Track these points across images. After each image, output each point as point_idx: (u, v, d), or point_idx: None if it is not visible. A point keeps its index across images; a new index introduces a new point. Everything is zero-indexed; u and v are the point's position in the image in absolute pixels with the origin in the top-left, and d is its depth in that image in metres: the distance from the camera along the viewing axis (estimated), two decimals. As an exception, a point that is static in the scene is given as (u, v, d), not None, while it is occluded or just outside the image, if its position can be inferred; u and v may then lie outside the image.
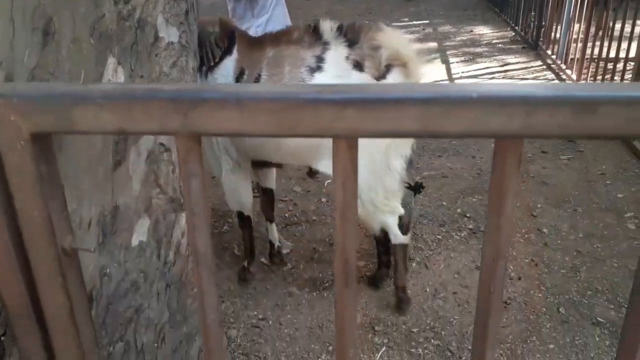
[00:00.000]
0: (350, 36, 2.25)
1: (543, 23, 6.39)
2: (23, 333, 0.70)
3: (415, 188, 2.85)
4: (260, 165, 2.66)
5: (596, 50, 4.66)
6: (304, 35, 2.28)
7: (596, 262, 2.89)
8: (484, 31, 8.19)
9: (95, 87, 0.60)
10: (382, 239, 2.71)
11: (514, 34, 7.61)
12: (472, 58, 6.60)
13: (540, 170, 3.73)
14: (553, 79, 5.32)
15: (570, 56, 5.32)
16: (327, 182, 3.63)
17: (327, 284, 2.81)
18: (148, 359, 1.57)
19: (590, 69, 4.84)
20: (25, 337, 0.70)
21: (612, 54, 4.45)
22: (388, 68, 2.24)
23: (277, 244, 2.98)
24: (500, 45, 7.27)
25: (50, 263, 0.66)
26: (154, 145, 1.55)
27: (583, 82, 4.78)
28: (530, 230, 3.15)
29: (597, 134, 0.54)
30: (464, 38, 7.86)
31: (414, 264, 2.94)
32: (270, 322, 2.56)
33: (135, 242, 1.53)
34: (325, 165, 2.40)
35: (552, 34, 6.05)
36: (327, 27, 2.27)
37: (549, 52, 6.03)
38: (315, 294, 2.75)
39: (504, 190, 0.60)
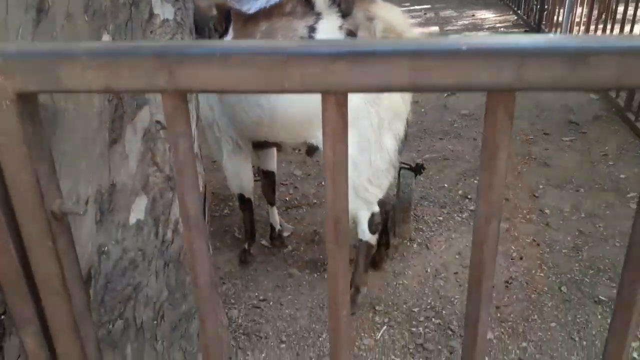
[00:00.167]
0: (344, 7, 2.22)
1: (546, 6, 6.33)
2: (15, 299, 0.70)
3: (416, 169, 2.85)
4: (259, 146, 2.65)
5: (599, 34, 4.62)
6: (296, 7, 2.26)
7: (598, 241, 2.88)
8: (486, 15, 8.12)
9: (80, 45, 0.59)
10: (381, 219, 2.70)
11: (516, 17, 7.54)
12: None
13: (542, 151, 3.71)
14: (556, 61, 5.28)
15: (573, 38, 5.27)
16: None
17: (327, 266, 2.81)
18: (147, 337, 1.58)
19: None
20: (17, 303, 0.70)
21: (616, 35, 4.41)
22: None
23: (277, 227, 2.98)
24: (502, 29, 7.21)
25: (40, 227, 0.66)
26: (150, 123, 1.54)
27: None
28: (531, 211, 3.14)
29: (588, 85, 0.53)
30: (466, 22, 7.80)
31: (415, 245, 2.94)
32: (271, 303, 2.56)
33: (132, 220, 1.52)
34: (320, 139, 2.37)
35: (555, 17, 6.00)
36: None
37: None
38: (315, 275, 2.75)
39: (496, 147, 0.59)
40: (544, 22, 6.40)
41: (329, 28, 2.21)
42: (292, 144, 2.56)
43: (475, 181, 3.44)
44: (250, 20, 2.35)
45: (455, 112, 4.43)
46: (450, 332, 2.39)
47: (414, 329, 2.42)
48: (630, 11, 4.17)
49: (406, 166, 2.86)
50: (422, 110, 4.54)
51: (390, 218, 2.99)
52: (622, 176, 3.39)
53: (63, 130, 1.38)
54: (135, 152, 1.51)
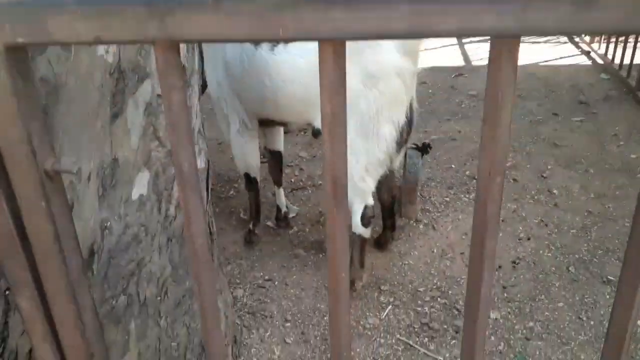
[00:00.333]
0: None
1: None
2: (9, 261, 0.69)
3: (422, 149, 2.82)
4: (266, 124, 2.63)
5: None
6: None
7: (607, 222, 2.85)
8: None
9: (68, -6, 0.57)
10: (387, 202, 2.68)
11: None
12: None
13: (551, 132, 3.66)
14: (566, 42, 5.20)
15: None
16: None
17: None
18: (151, 313, 1.58)
19: (604, 30, 4.72)
20: (12, 266, 0.69)
21: None
22: None
23: (284, 209, 2.97)
24: None
25: (33, 187, 0.65)
26: (152, 97, 1.52)
27: None
28: (540, 191, 3.11)
29: (597, 28, 0.51)
30: None
31: (421, 226, 2.92)
32: (276, 283, 2.56)
33: (135, 195, 1.51)
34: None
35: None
36: None
37: None
38: (321, 255, 2.74)
39: (500, 99, 0.57)
40: None
41: None
42: (296, 123, 2.53)
43: (483, 162, 3.41)
44: None
45: (463, 93, 4.38)
46: (456, 312, 2.38)
47: (419, 309, 2.41)
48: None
49: (413, 146, 2.83)
50: (430, 91, 4.49)
51: (397, 200, 2.97)
52: (632, 156, 3.34)
53: (64, 104, 1.37)
54: (137, 127, 1.50)
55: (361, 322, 2.36)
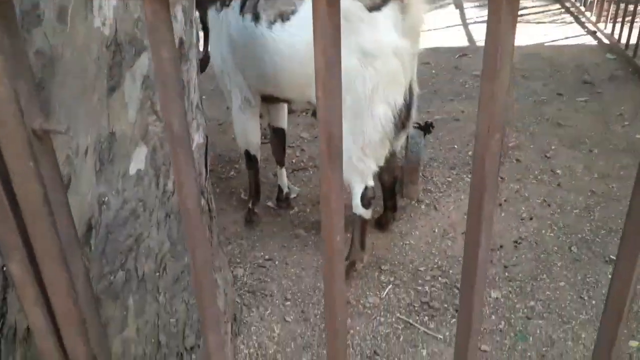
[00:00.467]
0: None
1: None
2: (-2, 224, 0.68)
3: (425, 128, 2.80)
4: (269, 100, 2.61)
5: None
6: None
7: (611, 202, 2.83)
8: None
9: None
10: (388, 184, 2.66)
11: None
12: (486, 3, 6.37)
13: (556, 112, 3.62)
14: (572, 22, 5.13)
15: (590, -2, 5.13)
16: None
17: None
18: (149, 288, 1.57)
19: (610, 11, 4.65)
20: (1, 228, 0.68)
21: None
22: (385, 0, 2.11)
23: (285, 189, 2.96)
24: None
25: (21, 146, 0.63)
26: (149, 70, 1.50)
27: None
28: (543, 171, 3.08)
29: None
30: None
31: (422, 206, 2.91)
32: (276, 262, 2.56)
33: (132, 170, 1.50)
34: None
35: None
36: None
37: (568, -6, 5.81)
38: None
39: (498, 53, 0.55)
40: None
41: None
42: (298, 101, 2.51)
43: (486, 142, 3.38)
44: None
45: (467, 73, 4.33)
46: (456, 291, 2.37)
47: (419, 288, 2.41)
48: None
49: (415, 125, 2.80)
50: (433, 71, 4.45)
51: (398, 181, 2.96)
52: (637, 136, 3.31)
53: (60, 77, 1.35)
54: (135, 100, 1.48)
55: (361, 301, 2.36)
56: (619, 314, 0.71)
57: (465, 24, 5.45)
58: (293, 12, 2.20)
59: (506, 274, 2.47)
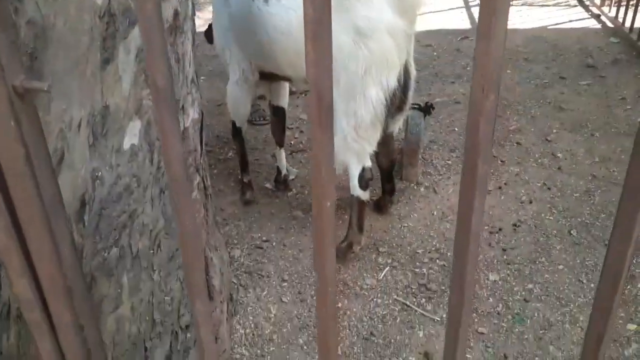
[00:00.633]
0: None
1: None
2: (-22, 187, 0.66)
3: (425, 109, 2.77)
4: (270, 78, 2.59)
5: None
6: None
7: (612, 185, 2.80)
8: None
9: None
10: (385, 166, 2.64)
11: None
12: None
13: (557, 95, 3.58)
14: (576, 5, 5.06)
15: (595, -19, 5.05)
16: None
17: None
18: (144, 266, 1.56)
19: (616, -5, 4.59)
20: (-19, 192, 0.66)
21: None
22: None
23: (284, 171, 2.94)
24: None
25: (1, 104, 0.61)
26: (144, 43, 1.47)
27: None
28: (544, 154, 3.06)
29: None
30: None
31: (422, 189, 2.89)
32: (274, 244, 2.54)
33: (126, 145, 1.48)
34: None
35: None
36: None
37: (572, -22, 5.72)
38: (321, 217, 2.72)
39: (494, 9, 0.52)
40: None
41: None
42: (296, 78, 2.48)
43: (486, 125, 3.35)
44: None
45: (469, 56, 4.28)
46: (455, 273, 2.36)
47: (417, 270, 2.39)
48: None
49: (415, 106, 2.78)
50: (435, 53, 4.40)
51: (397, 163, 2.94)
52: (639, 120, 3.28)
53: (53, 49, 1.33)
54: (129, 73, 1.45)
55: (358, 283, 2.35)
56: (616, 283, 0.69)
57: (467, 6, 5.38)
58: None
59: (505, 257, 2.45)
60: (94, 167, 1.43)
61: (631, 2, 4.24)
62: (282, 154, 2.92)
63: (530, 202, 2.74)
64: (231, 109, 2.75)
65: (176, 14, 1.51)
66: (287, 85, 2.82)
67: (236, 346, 2.04)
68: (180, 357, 1.71)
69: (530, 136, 3.22)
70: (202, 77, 4.05)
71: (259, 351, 2.04)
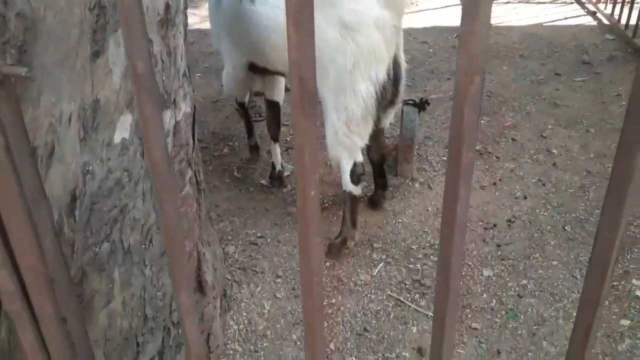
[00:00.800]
0: None
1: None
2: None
3: (420, 105, 2.76)
4: (263, 72, 2.60)
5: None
6: None
7: (606, 182, 2.76)
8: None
9: None
10: (376, 161, 2.63)
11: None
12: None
13: (553, 92, 3.58)
14: (572, 2, 5.06)
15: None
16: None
17: (326, 205, 2.77)
18: (136, 261, 1.55)
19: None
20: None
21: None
22: None
23: (278, 167, 2.93)
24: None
25: (-22, 93, 0.60)
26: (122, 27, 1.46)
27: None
28: (539, 150, 3.06)
29: None
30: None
31: (416, 185, 2.88)
32: (268, 240, 2.54)
33: (117, 139, 1.47)
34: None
35: None
36: None
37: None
38: (315, 213, 2.71)
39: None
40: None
41: None
42: (288, 73, 2.48)
43: (482, 121, 3.35)
44: None
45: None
46: (449, 269, 2.35)
47: (411, 266, 2.39)
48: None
49: (410, 102, 2.77)
50: (431, 50, 4.39)
51: (392, 159, 2.94)
52: (634, 117, 3.28)
53: (42, 41, 1.31)
54: (119, 66, 1.44)
55: (352, 279, 2.34)
56: (605, 268, 0.69)
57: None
58: None
59: (499, 252, 2.45)
60: (84, 161, 1.42)
61: (627, 0, 4.24)
62: (277, 149, 2.91)
63: (525, 198, 2.74)
64: (228, 88, 2.87)
65: (167, 6, 1.50)
66: (282, 80, 2.81)
67: (229, 342, 2.03)
68: (173, 353, 1.70)
69: (526, 132, 3.22)
70: (198, 74, 4.03)
71: (252, 347, 2.03)
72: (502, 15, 4.87)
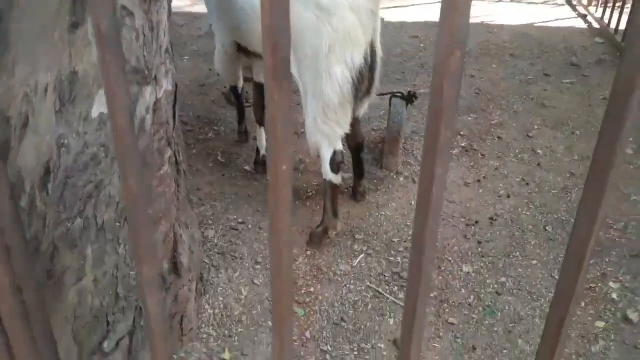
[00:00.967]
0: None
1: None
2: None
3: (407, 98, 2.75)
4: (251, 54, 2.58)
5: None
6: None
7: (588, 183, 2.81)
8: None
9: None
10: (352, 149, 2.61)
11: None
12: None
13: (541, 92, 3.59)
14: (563, 4, 5.07)
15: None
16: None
17: (310, 194, 2.75)
18: (109, 238, 1.51)
19: (603, -4, 4.60)
20: None
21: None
22: None
23: (262, 151, 2.90)
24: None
25: None
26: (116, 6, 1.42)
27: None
28: (524, 150, 3.06)
29: None
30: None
31: (401, 178, 2.87)
32: (249, 226, 2.51)
33: (95, 113, 1.43)
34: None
35: None
36: None
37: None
38: (297, 202, 2.69)
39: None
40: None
41: None
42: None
43: (469, 118, 3.34)
44: None
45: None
46: (429, 263, 2.34)
47: (391, 258, 2.38)
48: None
49: (398, 94, 2.75)
50: (421, 45, 4.38)
51: (378, 151, 2.92)
52: (619, 121, 3.29)
53: (19, 10, 1.27)
54: (99, 39, 1.40)
55: (332, 268, 2.33)
56: (578, 269, 0.68)
57: (458, 1, 5.35)
58: None
59: (479, 249, 2.45)
60: (60, 133, 1.38)
61: (617, 4, 4.25)
62: (262, 133, 2.87)
63: (508, 197, 2.75)
64: (220, 71, 2.89)
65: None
66: None
67: (204, 325, 2.01)
68: (144, 334, 1.67)
69: (512, 131, 3.22)
70: (186, 57, 3.98)
71: (226, 331, 2.01)
72: (493, 14, 4.86)
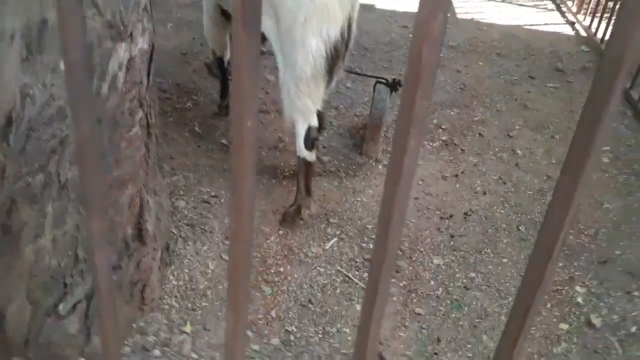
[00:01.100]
0: None
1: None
2: None
3: (392, 85, 2.72)
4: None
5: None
6: None
7: (564, 187, 2.82)
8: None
9: None
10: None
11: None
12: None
13: (524, 93, 3.58)
14: (553, 10, 5.06)
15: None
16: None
17: (287, 173, 2.71)
18: (72, 197, 1.46)
19: (591, 4, 4.59)
20: None
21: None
22: None
23: (242, 127, 2.85)
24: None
25: None
26: None
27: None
28: (504, 149, 3.06)
29: None
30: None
31: (380, 166, 2.85)
32: (222, 200, 2.46)
33: (64, 65, 1.36)
34: (267, 28, 2.19)
35: None
36: None
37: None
38: (274, 180, 2.65)
39: None
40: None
41: None
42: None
43: (452, 112, 3.33)
44: None
45: (443, 44, 4.24)
46: (400, 253, 2.34)
47: (364, 245, 2.36)
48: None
49: (382, 81, 2.72)
50: (411, 35, 4.32)
51: (359, 137, 2.89)
52: (600, 129, 3.31)
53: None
54: (74, -12, 1.33)
55: (304, 250, 2.30)
56: (547, 258, 0.65)
57: None
58: None
59: (452, 243, 2.45)
60: (25, 82, 1.31)
61: (605, 15, 4.25)
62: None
63: (484, 194, 2.74)
64: (208, 39, 2.88)
65: None
66: None
67: (166, 296, 1.97)
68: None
69: (493, 129, 3.21)
70: (170, 24, 3.87)
71: (190, 304, 1.97)
72: (484, 11, 4.84)
